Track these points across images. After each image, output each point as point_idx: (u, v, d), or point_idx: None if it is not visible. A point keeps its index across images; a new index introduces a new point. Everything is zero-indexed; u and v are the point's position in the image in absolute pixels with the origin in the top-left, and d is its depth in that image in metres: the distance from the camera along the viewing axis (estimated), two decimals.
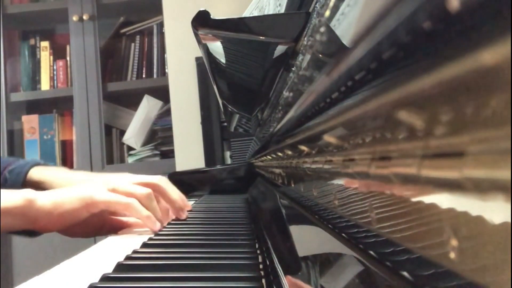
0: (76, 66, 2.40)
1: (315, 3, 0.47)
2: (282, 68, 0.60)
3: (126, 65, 2.50)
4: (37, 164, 0.96)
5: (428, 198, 0.15)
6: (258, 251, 0.53)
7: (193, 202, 1.20)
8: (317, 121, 0.36)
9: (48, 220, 0.71)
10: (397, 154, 0.18)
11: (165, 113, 2.41)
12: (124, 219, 0.82)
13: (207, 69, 0.78)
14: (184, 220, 0.83)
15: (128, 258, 0.51)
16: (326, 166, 0.32)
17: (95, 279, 0.42)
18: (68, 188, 0.76)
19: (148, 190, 0.76)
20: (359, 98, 0.24)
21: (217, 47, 0.69)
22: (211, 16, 0.61)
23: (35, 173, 0.94)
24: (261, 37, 0.59)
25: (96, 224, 0.78)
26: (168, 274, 0.44)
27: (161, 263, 0.49)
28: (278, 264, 0.40)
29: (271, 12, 0.76)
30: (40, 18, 2.53)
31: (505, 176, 0.11)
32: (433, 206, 0.15)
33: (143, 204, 0.73)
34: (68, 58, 2.50)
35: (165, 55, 2.34)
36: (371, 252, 0.22)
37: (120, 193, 0.74)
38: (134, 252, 0.54)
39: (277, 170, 0.70)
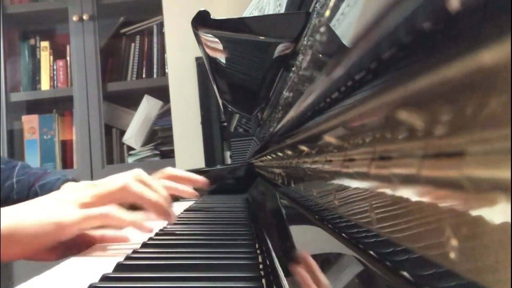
0: (76, 66, 2.41)
1: (315, 3, 0.47)
2: (282, 68, 0.60)
3: (126, 65, 2.50)
4: (67, 180, 0.94)
5: (428, 198, 0.15)
6: (258, 251, 0.53)
7: (193, 202, 1.20)
8: (317, 121, 0.36)
9: (4, 248, 0.57)
10: (397, 154, 0.18)
11: (165, 113, 2.41)
12: (97, 233, 0.67)
13: (207, 69, 0.78)
14: (184, 220, 0.83)
15: (128, 258, 0.51)
16: (326, 166, 0.32)
17: (95, 278, 0.42)
18: (33, 205, 0.61)
19: (137, 172, 0.66)
20: (359, 98, 0.24)
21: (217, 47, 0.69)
22: (211, 16, 0.61)
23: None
24: (261, 37, 0.59)
25: (63, 246, 0.64)
26: (168, 274, 0.44)
27: (161, 263, 0.49)
28: (278, 264, 0.40)
29: (271, 12, 0.76)
30: (40, 18, 2.53)
31: (505, 176, 0.11)
32: (433, 206, 0.15)
33: (133, 189, 0.64)
34: (68, 58, 2.50)
35: (165, 55, 2.34)
36: (371, 252, 0.22)
37: (99, 197, 0.62)
38: (134, 252, 0.54)
39: (277, 170, 0.70)
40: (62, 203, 0.62)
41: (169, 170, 0.91)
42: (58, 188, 0.91)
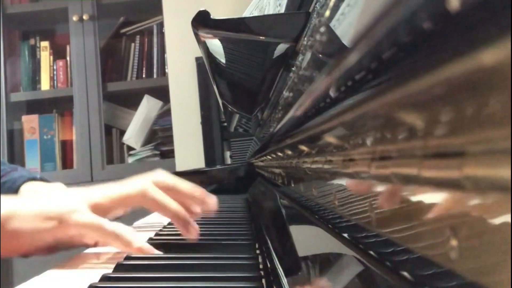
0: (76, 66, 2.40)
1: (315, 3, 0.47)
2: (282, 68, 0.60)
3: (126, 65, 2.50)
4: (32, 178, 0.85)
5: (428, 198, 0.15)
6: (258, 251, 0.53)
7: None
8: (317, 121, 0.36)
9: None
10: (397, 154, 0.18)
11: (165, 113, 2.41)
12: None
13: (207, 69, 0.78)
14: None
15: (128, 258, 0.51)
16: (326, 166, 0.32)
17: (95, 279, 0.42)
18: (32, 199, 0.55)
19: (159, 175, 0.59)
20: (359, 98, 0.24)
21: (217, 47, 0.69)
22: (211, 16, 0.61)
23: (26, 190, 0.82)
24: (261, 37, 0.59)
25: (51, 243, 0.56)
26: (168, 274, 0.44)
27: (161, 263, 0.49)
28: (278, 264, 0.40)
29: (271, 12, 0.76)
30: (40, 18, 2.53)
31: (505, 176, 0.11)
32: (433, 206, 0.15)
33: (153, 195, 0.57)
34: (68, 58, 2.50)
35: (165, 55, 2.34)
36: (371, 252, 0.22)
37: (114, 200, 0.56)
38: None
39: (277, 170, 0.70)
40: (71, 197, 0.55)
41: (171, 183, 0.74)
42: (18, 187, 0.82)
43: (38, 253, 0.57)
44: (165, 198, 0.58)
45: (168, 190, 0.60)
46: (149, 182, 0.59)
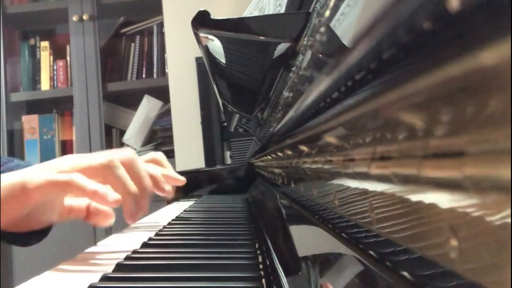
0: (76, 66, 2.41)
1: (315, 3, 0.47)
2: (282, 68, 0.60)
3: (126, 65, 2.50)
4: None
5: (428, 198, 0.15)
6: (258, 251, 0.53)
7: (193, 202, 1.20)
8: (317, 121, 0.36)
9: None
10: (397, 154, 0.18)
11: (165, 113, 2.41)
12: (78, 203, 0.64)
13: (207, 69, 0.78)
14: (184, 220, 0.83)
15: (128, 258, 0.51)
16: (326, 166, 0.32)
17: (95, 279, 0.42)
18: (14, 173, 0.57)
19: (109, 158, 0.59)
20: (359, 98, 0.24)
21: (217, 47, 0.69)
22: (211, 16, 0.61)
23: None
24: (261, 37, 0.59)
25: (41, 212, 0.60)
26: (168, 274, 0.44)
27: (161, 263, 0.49)
28: (278, 264, 0.40)
29: (271, 12, 0.76)
30: (40, 18, 2.53)
31: (505, 176, 0.11)
32: (433, 206, 0.15)
33: (116, 171, 0.59)
34: (68, 58, 2.50)
35: (165, 55, 2.35)
36: (371, 252, 0.22)
37: (78, 169, 0.57)
38: (134, 252, 0.54)
39: (277, 170, 0.70)
40: (40, 168, 0.58)
41: (159, 157, 0.83)
42: None
43: (21, 226, 0.59)
44: (125, 177, 0.59)
45: (132, 169, 0.62)
46: (116, 159, 0.60)
